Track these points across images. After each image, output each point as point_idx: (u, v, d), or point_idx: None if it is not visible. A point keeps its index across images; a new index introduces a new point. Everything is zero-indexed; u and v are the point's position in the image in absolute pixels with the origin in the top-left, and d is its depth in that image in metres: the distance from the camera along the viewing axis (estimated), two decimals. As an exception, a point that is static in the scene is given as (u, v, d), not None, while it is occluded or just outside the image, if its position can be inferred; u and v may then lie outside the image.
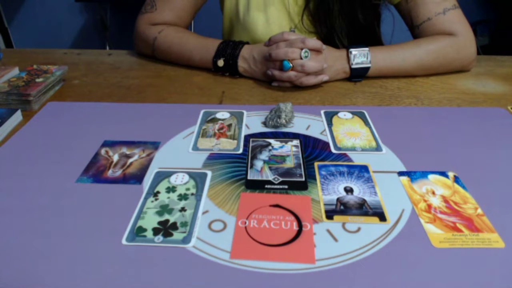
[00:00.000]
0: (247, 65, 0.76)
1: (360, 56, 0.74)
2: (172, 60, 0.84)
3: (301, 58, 0.69)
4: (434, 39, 0.77)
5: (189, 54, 0.80)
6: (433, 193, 0.47)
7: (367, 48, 0.74)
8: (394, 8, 0.84)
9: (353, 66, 0.74)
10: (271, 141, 0.57)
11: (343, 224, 0.43)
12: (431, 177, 0.50)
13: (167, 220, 0.43)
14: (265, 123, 0.62)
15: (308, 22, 0.84)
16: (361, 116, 0.64)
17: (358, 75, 0.75)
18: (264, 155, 0.54)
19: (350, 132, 0.59)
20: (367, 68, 0.74)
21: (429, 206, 0.45)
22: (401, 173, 0.51)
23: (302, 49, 0.69)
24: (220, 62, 0.76)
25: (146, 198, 0.46)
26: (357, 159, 0.54)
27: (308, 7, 0.82)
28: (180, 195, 0.47)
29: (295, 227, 0.42)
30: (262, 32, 0.84)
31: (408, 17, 0.81)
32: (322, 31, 0.82)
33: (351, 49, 0.74)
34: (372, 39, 0.88)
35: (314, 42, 0.70)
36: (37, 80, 0.70)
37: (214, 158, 0.54)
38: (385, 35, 0.92)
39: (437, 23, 0.78)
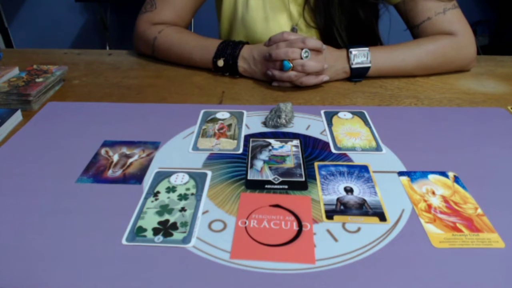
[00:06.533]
0: (247, 65, 0.76)
1: (360, 56, 0.74)
2: (172, 60, 0.84)
3: (301, 58, 0.69)
4: (434, 38, 0.77)
5: (189, 54, 0.80)
6: (433, 193, 0.47)
7: (367, 48, 0.74)
8: (392, 8, 0.84)
9: (353, 66, 0.74)
10: (271, 141, 0.57)
11: (343, 224, 0.43)
12: (431, 177, 0.50)
13: (167, 220, 0.43)
14: (265, 123, 0.62)
15: (308, 15, 0.84)
16: (361, 116, 0.64)
17: (358, 75, 0.75)
18: (264, 155, 0.54)
19: (350, 132, 0.59)
20: (367, 68, 0.74)
21: (429, 206, 0.45)
22: (401, 173, 0.51)
23: (302, 49, 0.69)
24: (220, 62, 0.76)
25: (146, 198, 0.46)
26: (357, 159, 0.54)
27: (308, 0, 0.82)
28: (180, 195, 0.47)
29: (295, 227, 0.42)
30: (261, 30, 0.84)
31: (408, 17, 0.81)
32: (321, 22, 0.82)
33: (351, 49, 0.74)
34: (371, 35, 0.88)
35: (315, 42, 0.70)
36: (37, 80, 0.70)
37: (214, 158, 0.54)
38: (382, 35, 0.92)
39: (437, 22, 0.78)
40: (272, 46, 0.72)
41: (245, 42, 0.78)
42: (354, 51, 0.74)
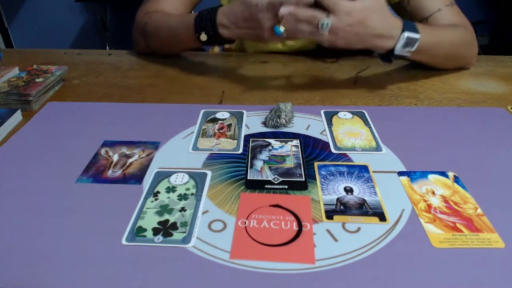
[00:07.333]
0: (231, 32, 0.69)
1: (409, 45, 0.66)
2: (164, 46, 0.84)
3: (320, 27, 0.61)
4: (456, 27, 0.77)
5: (176, 34, 0.78)
6: (433, 193, 0.47)
7: (419, 36, 0.65)
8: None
9: (396, 52, 0.66)
10: (271, 141, 0.57)
11: (343, 224, 0.43)
12: (431, 177, 0.50)
13: (167, 220, 0.43)
14: (265, 123, 0.62)
15: None
16: (361, 116, 0.64)
17: (390, 58, 0.68)
18: (264, 155, 0.54)
19: (350, 132, 0.59)
20: (405, 57, 0.68)
21: (429, 206, 0.45)
22: (401, 173, 0.51)
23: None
24: (203, 37, 0.72)
25: (146, 198, 0.46)
26: (357, 159, 0.54)
27: None
28: (180, 195, 0.47)
29: (295, 227, 0.42)
30: None
31: (413, 12, 0.81)
32: None
33: (405, 33, 0.64)
34: None
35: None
36: (37, 80, 0.70)
37: (214, 158, 0.54)
38: None
39: (447, 14, 0.78)
40: (259, 9, 0.64)
41: (218, 7, 0.71)
42: (407, 37, 0.64)
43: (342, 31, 0.62)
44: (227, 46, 0.83)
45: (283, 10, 0.61)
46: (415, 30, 0.66)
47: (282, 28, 0.63)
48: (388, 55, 0.68)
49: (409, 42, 0.65)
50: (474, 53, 0.82)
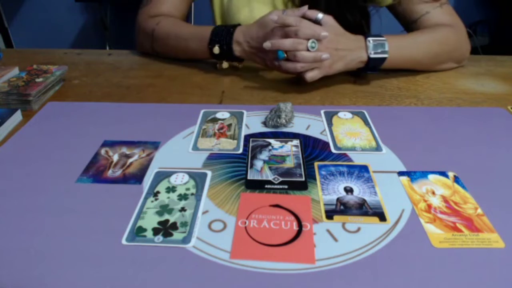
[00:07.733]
0: (242, 49, 0.74)
1: (378, 46, 0.71)
2: (170, 52, 0.84)
3: (308, 49, 0.66)
4: (437, 27, 0.78)
5: (186, 45, 0.79)
6: (433, 193, 0.47)
7: (384, 38, 0.71)
8: (383, 10, 0.85)
9: (372, 56, 0.70)
10: (271, 141, 0.57)
11: (343, 224, 0.43)
12: (431, 177, 0.50)
13: (167, 220, 0.43)
14: (265, 123, 0.62)
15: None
16: (361, 116, 0.64)
17: (373, 66, 0.73)
18: (264, 155, 0.54)
19: (350, 132, 0.59)
20: (384, 59, 0.71)
21: (429, 206, 0.45)
22: (401, 173, 0.51)
23: (309, 39, 0.65)
24: (216, 49, 0.74)
25: (146, 198, 0.46)
26: (357, 159, 0.54)
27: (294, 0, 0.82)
28: (180, 195, 0.47)
29: (295, 227, 0.42)
30: (244, 20, 0.84)
31: (405, 14, 0.82)
32: None
33: (369, 38, 0.71)
34: None
35: (323, 33, 0.66)
36: (37, 80, 0.70)
37: (214, 158, 0.54)
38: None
39: (435, 16, 0.79)
40: (272, 33, 0.68)
41: (237, 25, 0.75)
42: (372, 40, 0.70)
43: (324, 47, 0.67)
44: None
45: (266, 44, 0.67)
46: (377, 35, 0.72)
47: (284, 54, 0.67)
48: (369, 65, 0.71)
49: (378, 44, 0.71)
50: (463, 50, 0.81)
